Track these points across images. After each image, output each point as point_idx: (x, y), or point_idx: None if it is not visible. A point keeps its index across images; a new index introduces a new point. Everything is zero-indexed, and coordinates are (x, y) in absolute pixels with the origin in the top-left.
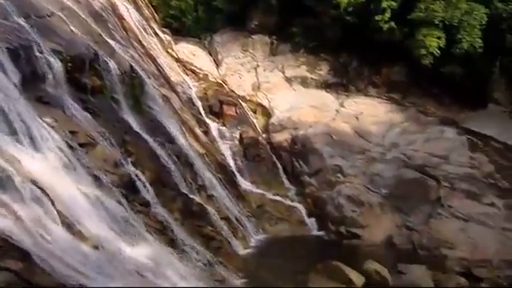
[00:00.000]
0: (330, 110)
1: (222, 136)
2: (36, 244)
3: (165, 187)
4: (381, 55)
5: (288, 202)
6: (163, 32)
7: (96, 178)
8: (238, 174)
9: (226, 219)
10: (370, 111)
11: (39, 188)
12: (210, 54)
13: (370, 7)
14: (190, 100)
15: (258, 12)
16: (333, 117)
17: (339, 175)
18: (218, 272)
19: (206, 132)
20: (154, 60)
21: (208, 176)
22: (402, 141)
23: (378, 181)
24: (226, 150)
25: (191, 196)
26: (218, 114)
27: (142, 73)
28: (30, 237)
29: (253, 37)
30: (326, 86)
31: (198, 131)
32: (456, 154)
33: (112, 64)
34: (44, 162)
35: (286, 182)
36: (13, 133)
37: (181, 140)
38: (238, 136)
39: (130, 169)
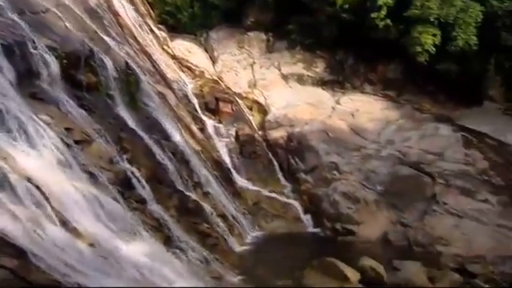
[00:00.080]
0: (325, 107)
1: (218, 133)
2: (31, 241)
3: (161, 184)
4: (377, 53)
5: (284, 199)
6: (159, 29)
7: (91, 175)
8: (234, 171)
9: (222, 216)
10: (365, 108)
11: (34, 185)
12: (206, 51)
13: (366, 5)
14: (186, 97)
15: (255, 9)
16: (329, 114)
17: (335, 172)
18: (214, 269)
19: (202, 129)
20: (149, 57)
21: (204, 173)
22: (397, 138)
23: (373, 178)
24: (222, 147)
25: (187, 193)
26: (214, 111)
27: (137, 69)
28: (25, 234)
29: (249, 34)
30: (322, 83)
31: (194, 128)
32: (451, 150)
33: (107, 61)
34: (39, 160)
35: (282, 179)
36: (8, 130)
37: (177, 137)
38: (234, 133)
39: (126, 166)
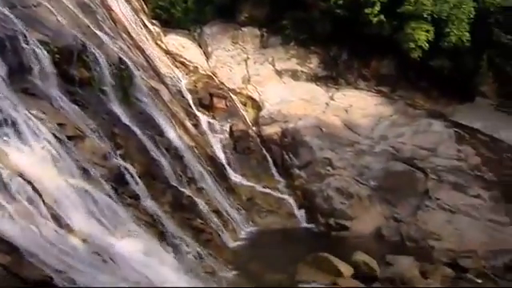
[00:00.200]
0: (319, 102)
1: (212, 129)
2: (24, 237)
3: (154, 180)
4: (370, 48)
5: (278, 195)
6: (152, 24)
7: (85, 171)
8: (227, 167)
9: (216, 212)
10: (359, 104)
11: (27, 181)
12: (200, 46)
13: (360, 0)
14: (180, 92)
15: (248, 4)
16: (323, 110)
17: (328, 168)
18: (208, 264)
19: (196, 125)
20: (143, 52)
21: (198, 169)
22: (390, 133)
23: (366, 173)
24: (216, 143)
25: (181, 189)
26: (207, 107)
27: (131, 65)
28: (18, 230)
29: (243, 29)
30: (315, 78)
31: (188, 124)
32: (443, 146)
33: (100, 56)
34: (32, 155)
35: (276, 175)
36: None
37: (170, 133)
38: (227, 129)
39: (120, 162)
